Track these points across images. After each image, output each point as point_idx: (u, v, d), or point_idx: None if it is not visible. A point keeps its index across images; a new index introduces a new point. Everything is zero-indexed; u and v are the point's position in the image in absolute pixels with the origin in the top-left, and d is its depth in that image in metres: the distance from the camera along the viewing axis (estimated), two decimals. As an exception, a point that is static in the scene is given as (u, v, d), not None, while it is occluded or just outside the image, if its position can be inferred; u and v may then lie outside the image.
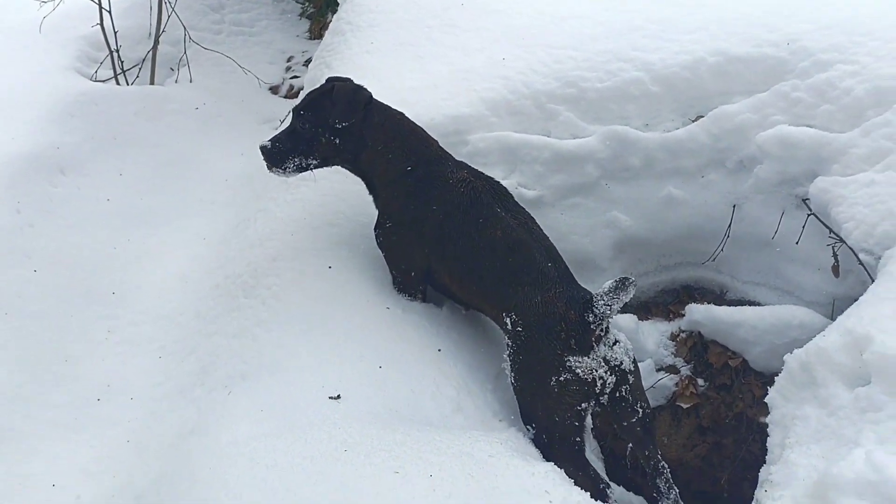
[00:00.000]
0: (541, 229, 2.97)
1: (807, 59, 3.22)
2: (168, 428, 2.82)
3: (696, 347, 3.54)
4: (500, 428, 2.67)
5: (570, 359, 2.54)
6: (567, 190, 3.57)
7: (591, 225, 3.60)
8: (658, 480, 2.79)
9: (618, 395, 2.62)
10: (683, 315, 3.57)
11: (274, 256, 3.21)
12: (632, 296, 2.48)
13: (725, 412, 3.45)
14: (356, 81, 3.63)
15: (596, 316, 2.52)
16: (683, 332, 3.56)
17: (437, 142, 3.13)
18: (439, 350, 2.90)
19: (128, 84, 5.02)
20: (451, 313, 3.09)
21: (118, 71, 4.96)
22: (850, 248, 2.88)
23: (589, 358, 2.55)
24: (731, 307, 3.41)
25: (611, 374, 2.58)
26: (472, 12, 4.02)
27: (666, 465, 2.83)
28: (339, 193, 3.44)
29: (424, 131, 3.13)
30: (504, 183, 3.53)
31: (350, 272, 3.10)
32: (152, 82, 5.07)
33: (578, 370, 2.54)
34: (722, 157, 3.39)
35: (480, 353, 3.01)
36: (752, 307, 3.37)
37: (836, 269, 3.06)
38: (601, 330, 2.56)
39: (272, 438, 2.31)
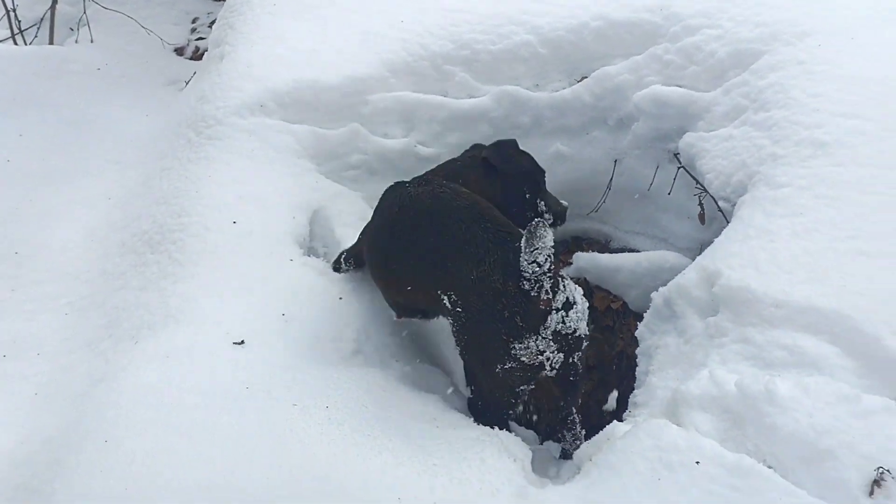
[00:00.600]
0: (463, 190, 2.65)
1: (678, 24, 3.49)
2: (76, 380, 2.89)
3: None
4: (396, 367, 2.87)
5: (516, 346, 2.33)
6: (463, 147, 3.74)
7: (487, 180, 3.81)
8: (565, 431, 2.73)
9: (565, 365, 2.45)
10: (571, 263, 3.85)
11: (179, 213, 3.30)
12: (550, 236, 2.21)
13: (608, 351, 3.75)
14: (258, 42, 3.75)
15: (531, 280, 2.26)
16: (571, 278, 3.84)
17: None
18: (340, 298, 3.06)
19: (26, 44, 4.94)
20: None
21: (15, 31, 4.88)
22: (712, 197, 3.17)
23: (537, 339, 2.33)
24: (612, 254, 3.70)
25: (559, 352, 2.38)
26: (373, -25, 4.14)
27: (577, 419, 2.77)
28: (244, 151, 3.54)
29: None
30: (403, 141, 3.73)
31: (254, 225, 3.22)
32: (51, 42, 5.01)
33: (524, 357, 2.35)
34: (604, 116, 3.66)
35: (379, 300, 3.19)
36: (630, 254, 3.67)
37: (702, 217, 3.36)
38: (546, 293, 2.30)
39: (177, 381, 2.44)
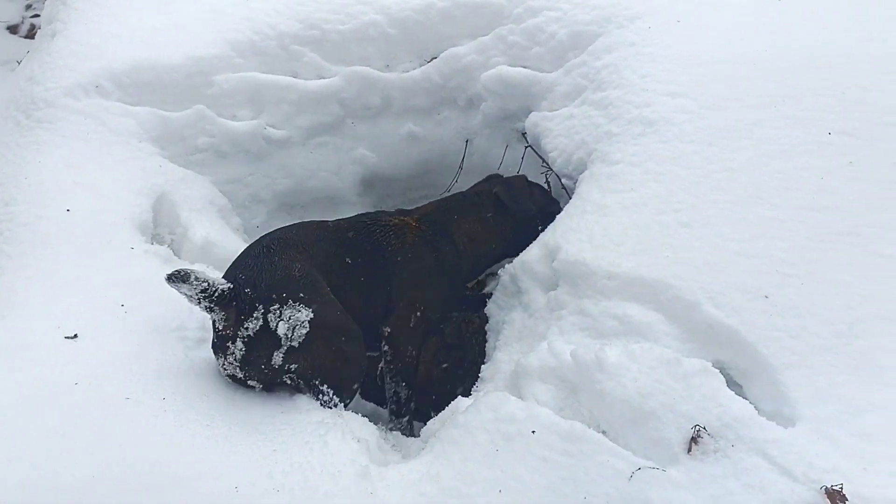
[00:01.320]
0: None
1: (521, 6, 3.56)
2: None
3: (439, 272, 3.86)
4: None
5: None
6: (314, 129, 3.73)
7: (339, 162, 3.80)
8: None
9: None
10: (427, 243, 3.88)
11: (7, 201, 3.10)
12: (187, 284, 2.31)
13: (466, 328, 3.82)
14: (93, 19, 3.56)
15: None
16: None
17: None
18: (185, 287, 2.96)
19: None
20: (195, 253, 3.17)
21: None
22: (557, 175, 3.27)
23: (223, 359, 2.45)
24: (465, 234, 3.76)
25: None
26: (217, -49, 3.99)
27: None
28: (79, 135, 3.36)
29: None
30: (252, 123, 3.64)
31: (90, 213, 3.06)
32: None
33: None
34: (453, 96, 3.70)
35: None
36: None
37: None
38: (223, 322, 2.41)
39: (1, 379, 2.30)
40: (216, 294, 2.36)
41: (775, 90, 2.79)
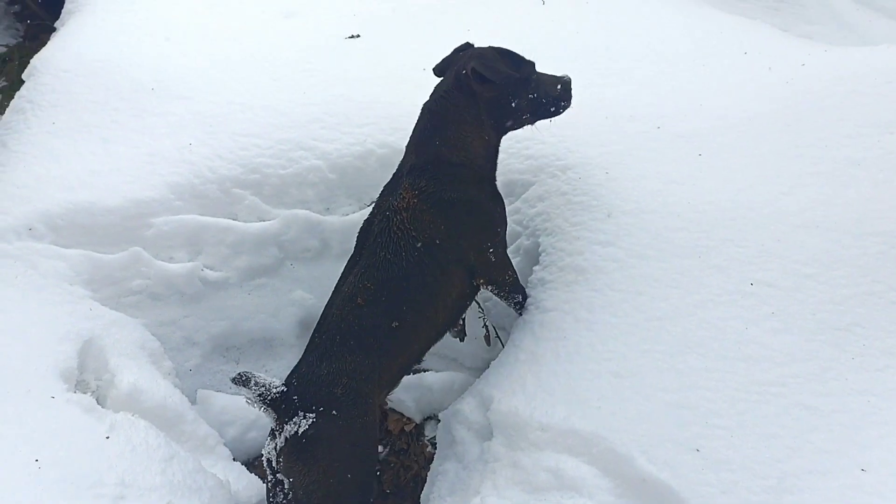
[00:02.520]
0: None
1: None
2: None
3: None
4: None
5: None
6: (253, 271, 3.72)
7: (277, 304, 3.77)
8: None
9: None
10: (365, 386, 3.82)
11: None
12: (247, 388, 2.57)
13: (404, 474, 3.71)
14: (32, 162, 3.57)
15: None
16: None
17: None
18: (107, 437, 2.84)
19: None
20: (120, 401, 3.06)
21: None
22: (492, 325, 3.30)
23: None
24: (405, 376, 3.71)
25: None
26: (161, 97, 4.09)
27: None
28: (7, 278, 3.29)
29: None
30: (189, 265, 3.62)
31: (11, 360, 2.95)
32: None
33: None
34: (391, 239, 3.74)
35: (153, 435, 2.99)
36: (422, 374, 3.70)
37: (487, 339, 3.46)
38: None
39: None
40: (269, 398, 2.57)
41: (698, 241, 2.89)
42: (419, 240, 2.75)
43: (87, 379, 3.20)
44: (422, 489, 3.55)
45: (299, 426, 2.56)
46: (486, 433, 2.73)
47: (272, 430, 2.65)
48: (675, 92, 3.92)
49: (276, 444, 2.60)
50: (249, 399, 2.59)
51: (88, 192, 3.60)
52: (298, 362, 2.76)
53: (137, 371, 3.24)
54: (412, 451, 3.70)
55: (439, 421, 3.63)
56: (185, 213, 3.67)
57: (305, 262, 3.77)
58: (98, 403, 3.04)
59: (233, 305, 3.71)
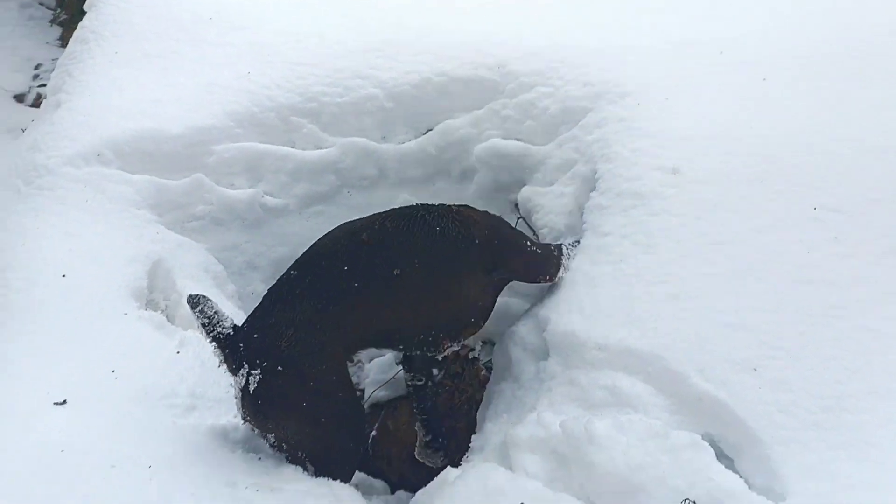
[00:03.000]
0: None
1: (514, 82, 3.66)
2: None
3: (432, 341, 3.87)
4: (231, 424, 2.79)
5: None
6: (310, 198, 3.79)
7: (335, 231, 3.83)
8: None
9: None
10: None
11: (3, 267, 3.13)
12: (195, 311, 2.42)
13: (458, 397, 3.80)
14: (97, 91, 3.65)
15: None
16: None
17: None
18: (177, 352, 2.97)
19: None
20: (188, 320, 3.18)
21: None
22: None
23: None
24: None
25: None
26: (220, 27, 4.13)
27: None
28: (78, 202, 3.41)
29: None
30: (249, 192, 3.70)
31: (85, 279, 3.09)
32: None
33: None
34: (448, 167, 3.77)
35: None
36: (475, 302, 3.75)
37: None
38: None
39: (-18, 447, 2.28)
40: (213, 335, 2.42)
41: (761, 166, 2.85)
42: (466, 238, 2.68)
43: (156, 299, 3.34)
44: (476, 411, 3.65)
45: (249, 382, 2.40)
46: (542, 354, 2.78)
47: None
48: (738, 19, 3.81)
49: (235, 392, 2.49)
50: (198, 327, 2.43)
51: (151, 121, 3.69)
52: (260, 302, 2.59)
53: (203, 292, 3.35)
54: (466, 374, 3.78)
55: (493, 345, 3.71)
56: (245, 141, 3.74)
57: (362, 190, 3.82)
58: (167, 321, 3.18)
59: (292, 232, 3.79)
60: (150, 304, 3.28)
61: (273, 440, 2.51)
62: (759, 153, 2.91)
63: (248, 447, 2.64)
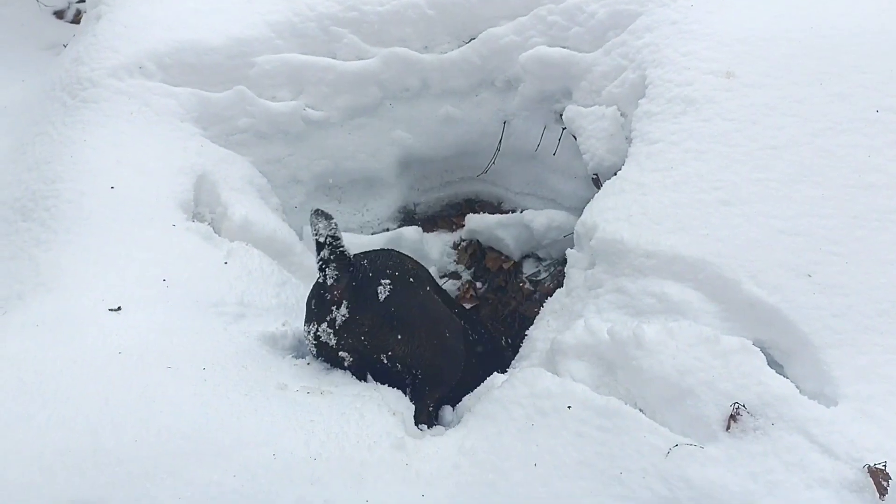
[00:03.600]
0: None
1: (559, -15, 3.53)
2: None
3: (475, 255, 3.87)
4: (281, 332, 2.84)
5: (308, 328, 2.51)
6: (353, 110, 3.75)
7: (377, 144, 3.81)
8: None
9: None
10: (464, 225, 3.89)
11: (53, 179, 3.16)
12: (325, 222, 2.32)
13: (501, 310, 3.82)
14: (137, 3, 3.61)
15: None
16: (464, 241, 3.89)
17: None
18: (225, 263, 3.01)
19: None
20: (234, 231, 3.21)
21: None
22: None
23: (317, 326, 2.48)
24: (503, 216, 3.76)
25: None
26: (257, -65, 4.02)
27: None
28: (123, 114, 3.41)
29: None
30: (292, 104, 3.67)
31: (133, 190, 3.11)
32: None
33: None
34: (491, 77, 3.69)
35: (266, 265, 3.15)
36: (520, 214, 3.73)
37: (596, 182, 3.42)
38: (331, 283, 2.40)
39: (42, 350, 2.35)
40: (339, 249, 2.34)
41: (820, 67, 2.73)
42: None
43: (202, 211, 3.36)
44: (519, 323, 3.66)
45: (379, 292, 2.37)
46: (590, 262, 2.76)
47: (324, 300, 2.43)
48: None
49: (339, 314, 2.40)
50: (320, 237, 2.33)
51: (192, 32, 3.64)
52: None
53: (248, 205, 3.37)
54: (510, 287, 3.79)
55: (538, 259, 3.70)
56: (286, 52, 3.68)
57: (404, 102, 3.77)
58: (214, 233, 3.21)
59: (334, 145, 3.77)
60: (197, 217, 3.30)
61: (397, 353, 2.42)
62: (817, 55, 2.79)
63: (297, 354, 2.68)
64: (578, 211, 3.61)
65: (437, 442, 2.20)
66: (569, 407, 2.16)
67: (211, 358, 2.41)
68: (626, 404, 2.15)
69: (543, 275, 3.64)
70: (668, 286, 2.43)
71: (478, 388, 2.54)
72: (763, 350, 2.21)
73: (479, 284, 3.84)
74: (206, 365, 2.35)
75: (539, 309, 3.11)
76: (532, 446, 2.11)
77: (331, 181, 3.84)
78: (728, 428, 2.04)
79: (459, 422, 2.34)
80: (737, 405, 2.06)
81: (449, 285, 3.81)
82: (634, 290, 2.49)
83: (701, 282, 2.39)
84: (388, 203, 3.93)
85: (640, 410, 2.19)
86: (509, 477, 2.06)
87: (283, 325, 2.89)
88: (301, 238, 3.64)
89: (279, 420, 2.15)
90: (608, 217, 2.70)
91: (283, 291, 3.04)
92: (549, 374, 2.29)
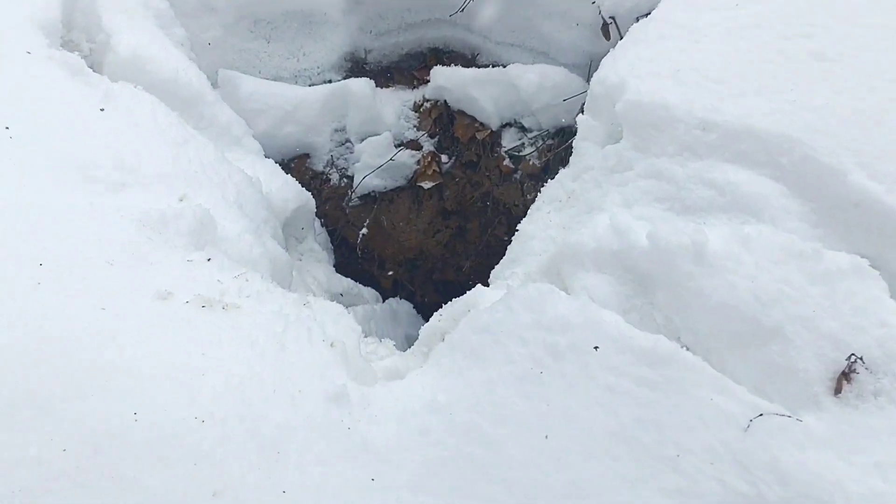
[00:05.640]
0: None
1: None
2: None
3: (441, 119, 3.06)
4: (177, 208, 2.03)
5: None
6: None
7: (320, -34, 2.89)
8: None
9: None
10: (429, 81, 3.05)
11: None
12: None
13: (471, 192, 3.06)
14: None
15: None
16: (427, 100, 3.07)
17: None
18: (101, 109, 2.17)
19: None
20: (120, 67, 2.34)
21: None
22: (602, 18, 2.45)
23: None
24: (480, 70, 2.93)
25: None
26: None
27: None
28: None
29: None
30: None
31: None
32: None
33: None
34: None
35: (163, 114, 2.30)
36: (502, 69, 2.90)
37: (605, 31, 2.62)
38: None
39: None
40: None
41: None
42: None
43: (77, 38, 2.55)
44: (493, 208, 2.93)
45: None
46: (611, 134, 1.99)
47: None
48: None
49: None
50: None
51: None
52: None
53: (141, 34, 2.54)
54: (484, 164, 3.01)
55: (522, 129, 2.92)
56: None
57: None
58: (89, 68, 2.33)
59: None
60: (68, 45, 2.43)
61: None
62: None
63: (195, 244, 1.90)
64: (580, 69, 2.84)
65: (396, 391, 1.47)
66: (595, 348, 1.44)
67: (57, 248, 1.60)
68: (682, 347, 1.45)
69: (528, 149, 2.86)
70: (735, 173, 1.69)
71: (452, 303, 1.80)
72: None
73: (444, 158, 3.06)
74: (45, 259, 1.55)
75: (523, 195, 2.37)
76: (541, 405, 1.40)
77: (257, 12, 2.92)
78: (838, 391, 1.36)
79: (429, 357, 1.61)
80: (852, 357, 1.37)
81: (406, 157, 3.01)
82: (682, 176, 1.75)
83: (784, 169, 1.66)
84: (331, 47, 3.07)
85: (691, 353, 1.49)
86: (504, 452, 1.36)
87: (180, 200, 2.11)
88: (215, 85, 2.78)
89: (149, 354, 1.38)
90: (643, 72, 1.91)
91: (183, 153, 2.26)
92: (563, 294, 1.56)
